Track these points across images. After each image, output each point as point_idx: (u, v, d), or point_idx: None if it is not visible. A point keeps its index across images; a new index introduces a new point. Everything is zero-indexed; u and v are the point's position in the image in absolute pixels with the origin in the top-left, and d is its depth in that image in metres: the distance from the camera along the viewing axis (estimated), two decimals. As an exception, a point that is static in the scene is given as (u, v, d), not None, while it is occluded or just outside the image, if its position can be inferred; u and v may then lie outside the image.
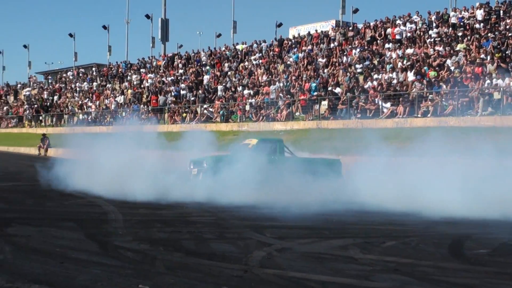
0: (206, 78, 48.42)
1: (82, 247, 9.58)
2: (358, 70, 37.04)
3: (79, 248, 9.44)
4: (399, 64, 34.41)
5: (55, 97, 62.66)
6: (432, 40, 35.67)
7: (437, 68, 31.54)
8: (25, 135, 52.02)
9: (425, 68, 32.05)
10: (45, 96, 64.71)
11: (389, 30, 40.04)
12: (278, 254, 9.27)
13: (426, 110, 29.21)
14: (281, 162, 21.21)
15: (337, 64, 39.48)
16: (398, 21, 40.18)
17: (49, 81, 73.70)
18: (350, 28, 45.48)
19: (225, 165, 20.40)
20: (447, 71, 30.72)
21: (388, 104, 31.09)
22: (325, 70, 39.04)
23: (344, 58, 39.62)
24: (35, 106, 61.92)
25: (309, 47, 45.33)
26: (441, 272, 8.37)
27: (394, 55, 36.20)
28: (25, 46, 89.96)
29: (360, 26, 45.17)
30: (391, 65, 35.08)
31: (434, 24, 37.85)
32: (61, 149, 38.63)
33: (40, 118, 59.32)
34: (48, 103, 61.75)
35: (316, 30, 49.64)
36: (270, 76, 42.43)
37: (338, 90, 35.38)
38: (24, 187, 21.04)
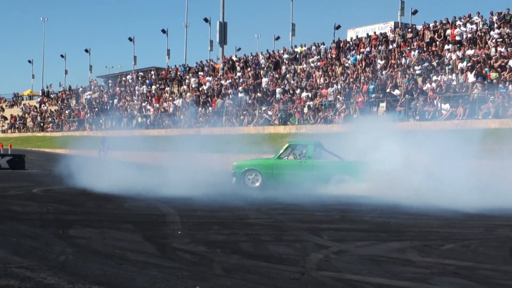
0: (264, 80, 48.48)
1: (141, 249, 9.66)
2: (417, 72, 36.69)
3: (138, 250, 9.52)
4: (459, 65, 33.95)
5: (115, 101, 63.49)
6: (494, 40, 35.08)
7: (498, 69, 31.03)
8: (86, 138, 52.81)
9: (486, 69, 31.56)
10: (105, 100, 65.64)
11: (448, 31, 39.52)
12: (336, 256, 9.22)
13: (487, 112, 28.75)
14: (304, 167, 21.84)
15: (395, 66, 39.14)
16: (458, 22, 39.63)
17: (109, 84, 74.71)
18: (409, 30, 45.03)
19: (251, 171, 22.85)
20: (509, 72, 30.19)
21: (447, 106, 30.69)
22: (383, 72, 38.74)
23: (403, 60, 39.26)
24: (96, 109, 62.84)
25: (367, 49, 45.04)
26: (502, 276, 8.22)
27: (453, 57, 35.74)
28: (86, 51, 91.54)
29: (419, 27, 44.69)
30: (450, 66, 34.63)
31: (495, 25, 37.22)
32: (121, 152, 39.12)
33: (100, 121, 60.18)
34: (108, 106, 62.61)
35: (375, 32, 49.33)
36: (328, 78, 42.28)
37: (396, 92, 35.07)
38: (86, 190, 21.35)
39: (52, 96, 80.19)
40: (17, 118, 74.96)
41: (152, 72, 69.63)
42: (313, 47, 50.53)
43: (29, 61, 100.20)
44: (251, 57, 55.87)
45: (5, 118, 77.25)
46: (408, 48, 41.14)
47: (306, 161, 22.07)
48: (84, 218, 13.50)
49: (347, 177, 20.98)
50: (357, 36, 50.83)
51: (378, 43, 45.24)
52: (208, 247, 9.80)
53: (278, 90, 44.93)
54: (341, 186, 20.56)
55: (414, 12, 56.01)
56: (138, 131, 51.50)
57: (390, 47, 43.22)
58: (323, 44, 50.37)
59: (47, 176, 25.01)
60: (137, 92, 63.31)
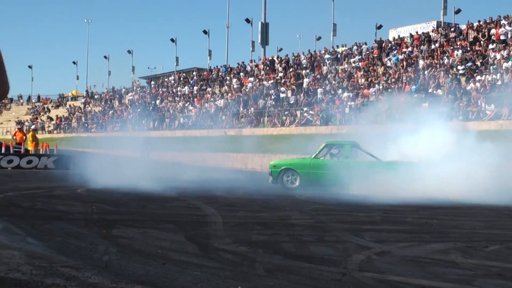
0: (305, 81, 48.44)
1: (183, 249, 9.73)
2: (460, 72, 36.34)
3: (180, 250, 9.59)
4: (504, 65, 33.55)
5: (157, 101, 63.95)
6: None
7: (544, 69, 30.65)
8: (129, 138, 53.28)
9: (532, 68, 31.20)
10: (148, 100, 66.16)
11: (493, 31, 39.10)
12: (377, 257, 9.18)
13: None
14: (341, 166, 21.79)
15: (438, 65, 38.81)
16: (503, 21, 39.17)
17: (152, 85, 75.28)
18: (452, 29, 44.65)
19: (288, 170, 22.98)
20: (555, 72, 29.80)
21: (492, 106, 30.36)
22: (426, 72, 38.44)
23: (446, 60, 38.91)
24: (138, 110, 63.40)
25: (410, 48, 44.74)
26: (547, 279, 8.11)
27: (498, 56, 35.31)
28: (129, 52, 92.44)
29: (462, 27, 44.28)
30: (494, 66, 34.23)
31: (542, 24, 36.77)
32: (163, 152, 39.41)
33: (143, 122, 60.72)
34: (150, 107, 63.12)
35: (417, 32, 49.00)
36: (369, 79, 42.10)
37: (439, 92, 34.78)
38: (129, 190, 21.56)
39: (96, 97, 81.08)
40: (63, 119, 75.94)
41: (194, 73, 70.00)
42: (355, 47, 50.36)
43: (74, 62, 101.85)
44: (293, 57, 55.85)
45: (51, 119, 78.32)
46: (451, 47, 40.79)
47: (343, 160, 22.11)
48: (127, 218, 13.64)
49: (383, 177, 20.77)
50: (399, 36, 50.59)
51: (420, 42, 44.93)
52: (250, 248, 9.82)
53: (319, 90, 44.86)
54: (379, 186, 20.49)
55: (457, 11, 55.49)
56: (180, 132, 51.84)
57: (433, 46, 42.90)
58: (365, 44, 50.17)
59: (91, 176, 25.28)
60: (179, 93, 63.69)
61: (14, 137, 40.65)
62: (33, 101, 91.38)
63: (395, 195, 18.81)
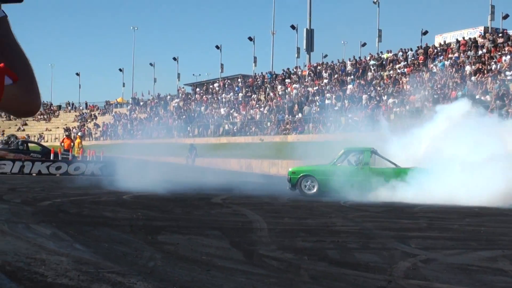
0: (350, 87, 48.27)
1: (228, 255, 9.75)
2: (508, 78, 35.86)
3: (225, 256, 9.62)
4: (553, 70, 33.08)
5: (202, 108, 64.28)
6: None
7: None
8: (174, 145, 53.65)
9: None
10: (193, 107, 66.54)
11: (542, 35, 38.56)
12: (423, 265, 9.10)
13: None
14: (361, 173, 22.01)
15: (485, 71, 38.36)
16: (551, 26, 38.58)
17: (197, 92, 75.69)
18: (500, 35, 44.09)
19: (307, 177, 23.01)
20: None
21: (541, 112, 29.94)
22: (473, 78, 38.02)
23: (493, 65, 38.44)
24: (183, 116, 63.79)
25: (456, 54, 44.31)
26: None
27: (546, 61, 34.84)
28: (174, 59, 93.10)
29: (510, 32, 43.71)
30: (544, 71, 33.78)
31: None
32: (208, 159, 39.59)
33: (188, 128, 61.03)
34: (195, 114, 63.45)
35: (464, 37, 48.47)
36: (415, 85, 41.79)
37: (486, 97, 34.37)
38: (175, 196, 21.71)
39: (141, 103, 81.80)
40: (109, 126, 76.77)
41: (239, 80, 70.22)
42: (400, 53, 50.04)
43: (120, 70, 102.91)
44: (338, 63, 55.71)
45: (98, 126, 79.24)
46: (499, 53, 40.27)
47: (363, 167, 22.08)
48: (172, 225, 13.72)
49: (402, 184, 20.93)
50: (445, 42, 50.11)
51: (467, 48, 44.45)
52: (295, 254, 9.82)
53: (364, 96, 44.65)
54: (398, 192, 20.59)
55: (505, 17, 54.84)
56: (225, 138, 52.02)
57: (480, 52, 42.39)
58: (410, 50, 49.82)
59: (136, 183, 25.53)
60: (224, 100, 63.94)
61: (62, 143, 41.19)
62: (81, 108, 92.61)
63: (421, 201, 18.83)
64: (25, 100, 2.28)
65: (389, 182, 21.20)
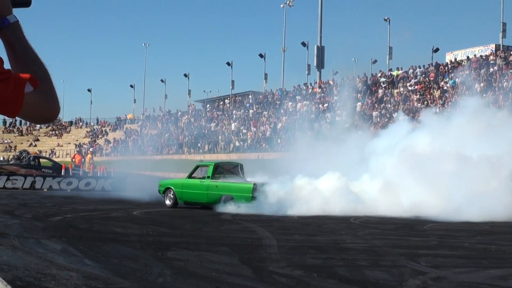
0: (358, 104, 48.28)
1: (237, 271, 9.76)
2: (520, 95, 35.82)
3: (234, 273, 9.63)
4: None
5: (213, 124, 64.36)
6: None
7: None
8: (184, 161, 53.70)
9: None
10: (203, 123, 66.64)
11: (553, 53, 38.49)
12: (434, 283, 9.07)
13: None
14: (202, 186, 23.12)
15: (496, 89, 38.31)
16: None
17: (207, 108, 75.82)
18: (512, 52, 44.04)
19: (169, 189, 24.21)
20: None
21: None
22: (484, 95, 37.97)
23: (505, 83, 38.38)
24: (194, 133, 63.88)
25: (467, 72, 44.27)
26: None
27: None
28: (185, 75, 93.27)
29: (522, 49, 43.67)
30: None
31: None
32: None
33: (198, 144, 61.07)
34: (206, 130, 63.53)
35: (475, 55, 48.42)
36: (425, 102, 41.74)
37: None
38: (185, 212, 21.77)
39: (152, 120, 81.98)
40: (120, 142, 76.95)
41: (250, 96, 70.30)
42: (411, 70, 50.03)
43: (131, 86, 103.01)
44: (348, 80, 55.72)
45: (109, 142, 79.43)
46: (511, 71, 40.21)
47: (205, 180, 23.07)
48: (182, 241, 13.74)
49: (230, 197, 22.09)
50: (455, 59, 50.05)
51: (478, 66, 44.40)
52: (304, 271, 9.81)
53: (374, 114, 44.64)
54: (229, 206, 21.67)
55: (516, 34, 54.75)
56: (235, 155, 52.01)
57: (491, 70, 42.34)
58: (419, 67, 49.81)
59: (147, 199, 25.63)
60: (234, 116, 64.01)
61: (73, 159, 41.34)
62: (92, 124, 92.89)
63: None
64: (44, 106, 2.29)
65: (220, 196, 22.24)
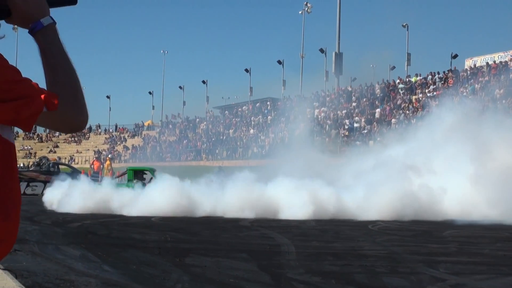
0: (377, 111, 48.18)
1: (255, 278, 9.75)
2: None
3: (253, 279, 9.62)
4: None
5: (231, 131, 64.44)
6: None
7: None
8: (202, 167, 53.78)
9: None
10: (221, 130, 66.74)
11: None
12: (453, 290, 9.02)
13: None
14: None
15: (516, 95, 38.13)
16: None
17: (225, 115, 75.93)
18: (531, 58, 43.79)
19: None
20: None
21: None
22: (503, 101, 37.78)
23: (524, 89, 38.20)
24: (212, 139, 63.98)
25: (486, 78, 44.07)
26: None
27: None
28: (203, 82, 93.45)
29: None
30: None
31: None
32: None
33: (216, 151, 61.17)
34: (224, 137, 63.62)
35: (494, 61, 48.17)
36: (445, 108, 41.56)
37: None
38: (203, 218, 21.80)
39: (170, 126, 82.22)
40: (138, 148, 77.20)
41: (268, 103, 70.34)
42: (429, 77, 49.87)
43: (150, 93, 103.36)
44: (366, 87, 55.65)
45: (127, 148, 79.70)
46: (530, 76, 40.02)
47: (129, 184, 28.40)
48: (200, 247, 13.75)
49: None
50: (475, 65, 49.84)
51: (497, 72, 44.18)
52: (322, 278, 9.78)
53: (393, 120, 44.52)
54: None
55: (536, 40, 54.41)
56: (254, 161, 52.00)
57: (511, 76, 42.12)
58: (438, 73, 49.63)
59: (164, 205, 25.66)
60: (252, 123, 64.06)
61: (92, 166, 41.53)
62: (110, 130, 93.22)
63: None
64: (69, 117, 2.22)
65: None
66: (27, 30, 2.28)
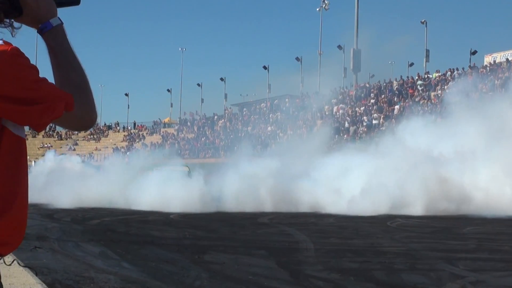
0: (396, 107, 48.00)
1: (274, 275, 9.76)
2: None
3: (271, 276, 9.62)
4: None
5: (249, 128, 64.41)
6: None
7: None
8: (221, 165, 53.82)
9: None
10: (240, 127, 66.74)
11: None
12: (472, 287, 8.97)
13: None
14: None
15: (536, 90, 37.80)
16: None
17: (244, 112, 75.91)
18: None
19: None
20: None
21: None
22: (523, 97, 37.51)
23: (544, 84, 37.85)
24: (231, 136, 64.00)
25: (506, 74, 43.77)
26: None
27: None
28: (221, 79, 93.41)
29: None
30: None
31: None
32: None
33: (235, 148, 61.14)
34: (242, 134, 63.61)
35: (514, 56, 47.86)
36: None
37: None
38: (221, 215, 21.83)
39: (189, 123, 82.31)
40: (156, 146, 77.35)
41: (286, 100, 70.24)
42: (448, 73, 49.61)
43: (168, 90, 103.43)
44: (385, 83, 55.43)
45: (146, 146, 79.90)
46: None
47: None
48: (219, 244, 13.77)
49: None
50: (494, 61, 49.50)
51: (517, 67, 43.88)
52: (341, 275, 9.78)
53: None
54: None
55: (556, 35, 53.99)
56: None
57: (531, 71, 41.84)
58: (458, 69, 49.36)
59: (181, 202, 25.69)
60: (271, 120, 64.01)
61: (111, 163, 41.55)
62: (129, 128, 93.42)
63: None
64: (81, 116, 2.25)
65: None
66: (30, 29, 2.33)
